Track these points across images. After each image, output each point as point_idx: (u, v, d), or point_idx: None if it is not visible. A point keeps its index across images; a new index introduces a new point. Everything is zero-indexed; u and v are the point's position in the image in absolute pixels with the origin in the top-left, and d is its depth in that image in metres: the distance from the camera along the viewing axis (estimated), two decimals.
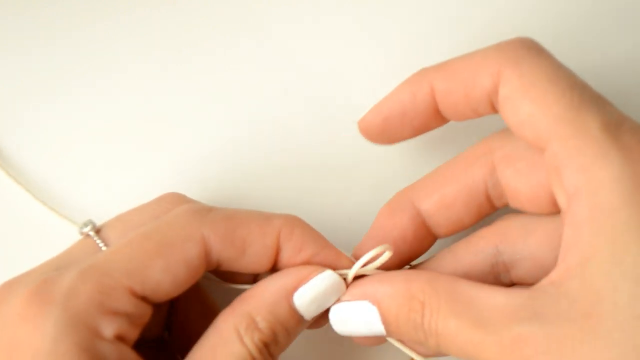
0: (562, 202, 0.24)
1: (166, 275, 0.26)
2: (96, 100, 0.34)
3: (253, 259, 0.27)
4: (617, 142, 0.23)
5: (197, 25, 0.35)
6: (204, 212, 0.27)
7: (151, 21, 0.35)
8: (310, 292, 0.27)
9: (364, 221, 0.31)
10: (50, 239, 0.32)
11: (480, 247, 0.28)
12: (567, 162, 0.23)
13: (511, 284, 0.29)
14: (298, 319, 0.27)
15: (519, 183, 0.27)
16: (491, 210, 0.29)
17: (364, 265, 0.28)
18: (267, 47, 0.35)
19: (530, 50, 0.26)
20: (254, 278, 0.30)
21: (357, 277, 0.28)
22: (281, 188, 0.34)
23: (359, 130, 0.30)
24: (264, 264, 0.28)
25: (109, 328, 0.24)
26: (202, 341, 0.26)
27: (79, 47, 0.34)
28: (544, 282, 0.23)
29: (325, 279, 0.27)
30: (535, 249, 0.27)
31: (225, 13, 0.35)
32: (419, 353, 0.28)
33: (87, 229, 0.28)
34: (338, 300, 0.28)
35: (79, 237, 0.28)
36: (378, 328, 0.27)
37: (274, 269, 0.28)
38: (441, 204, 0.28)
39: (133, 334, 0.25)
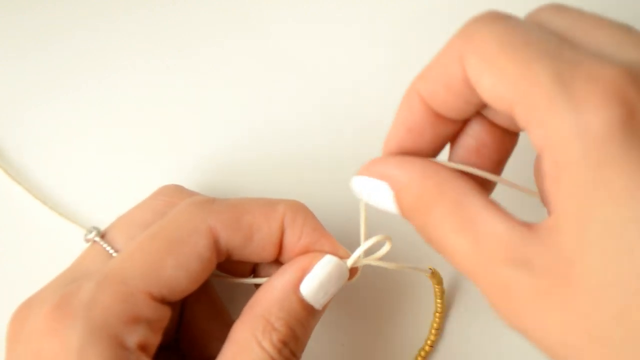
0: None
1: (180, 272, 0.26)
2: (97, 100, 0.34)
3: (260, 244, 0.28)
4: (567, 91, 0.21)
5: (197, 25, 0.35)
6: (207, 203, 0.28)
7: (152, 22, 0.35)
8: (315, 280, 0.27)
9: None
10: (54, 240, 0.33)
11: None
12: (530, 121, 0.22)
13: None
14: (310, 310, 0.27)
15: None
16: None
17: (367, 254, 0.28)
18: (267, 47, 0.35)
19: (483, 21, 0.24)
20: (253, 268, 0.30)
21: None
22: (282, 187, 0.34)
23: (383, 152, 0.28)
24: (270, 249, 0.28)
25: (131, 337, 0.24)
26: (221, 355, 0.26)
27: (80, 48, 0.34)
28: (542, 225, 0.22)
29: (327, 264, 0.27)
30: None
31: (225, 13, 0.35)
32: None
33: (92, 236, 0.28)
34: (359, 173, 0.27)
35: (85, 244, 0.28)
36: (393, 209, 0.26)
37: (278, 256, 0.29)
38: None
39: (154, 340, 0.25)
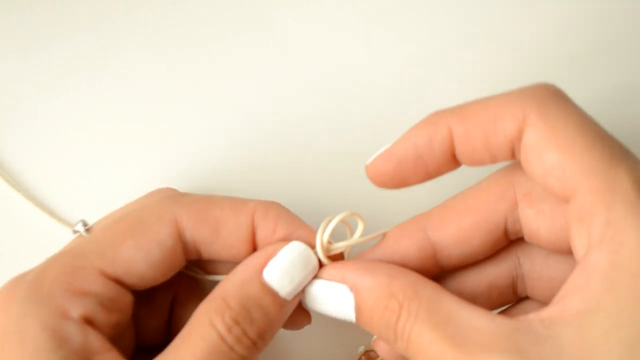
0: (579, 249, 0.23)
1: (138, 254, 0.26)
2: (96, 102, 0.34)
3: (229, 239, 0.27)
4: None
5: (196, 26, 0.35)
6: (177, 196, 0.28)
7: (148, 23, 0.35)
8: (278, 265, 0.26)
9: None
10: (47, 242, 0.32)
11: (502, 256, 0.28)
12: (594, 214, 0.22)
13: (526, 298, 0.28)
14: (273, 296, 0.26)
15: (541, 226, 0.26)
16: (505, 243, 0.27)
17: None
18: (266, 46, 0.35)
19: (556, 97, 0.24)
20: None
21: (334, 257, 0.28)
22: (280, 189, 0.34)
23: (367, 175, 0.27)
24: (240, 246, 0.28)
25: (75, 308, 0.24)
26: (179, 333, 0.26)
27: (72, 50, 0.34)
28: (533, 317, 0.22)
29: (292, 250, 0.27)
30: (553, 271, 0.27)
31: (225, 13, 0.35)
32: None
33: (77, 227, 0.28)
34: (316, 277, 0.27)
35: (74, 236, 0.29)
36: (349, 314, 0.26)
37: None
38: (457, 237, 0.27)
39: (106, 318, 0.25)
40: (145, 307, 0.28)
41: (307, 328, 0.33)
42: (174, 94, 0.34)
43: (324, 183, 0.34)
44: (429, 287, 0.25)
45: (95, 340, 0.24)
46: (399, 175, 0.26)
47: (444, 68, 0.35)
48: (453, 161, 0.26)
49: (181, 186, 0.33)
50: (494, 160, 0.25)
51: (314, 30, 0.35)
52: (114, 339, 0.25)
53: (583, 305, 0.22)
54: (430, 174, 0.27)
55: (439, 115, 0.26)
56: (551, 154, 0.23)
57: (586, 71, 0.35)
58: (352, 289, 0.26)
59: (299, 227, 0.28)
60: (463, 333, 0.23)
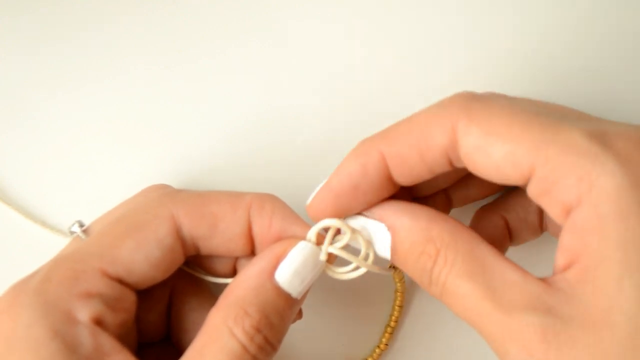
0: (556, 213, 0.24)
1: (138, 254, 0.26)
2: (77, 102, 0.34)
3: (226, 234, 0.27)
4: (609, 149, 0.22)
5: (195, 25, 0.35)
6: (173, 193, 0.28)
7: (148, 21, 0.35)
8: (289, 267, 0.26)
9: None
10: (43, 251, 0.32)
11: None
12: (562, 177, 0.23)
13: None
14: (286, 298, 0.26)
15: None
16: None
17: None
18: (263, 46, 0.35)
19: (475, 99, 0.25)
20: (234, 267, 0.30)
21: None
22: (278, 187, 0.33)
23: (309, 216, 0.28)
24: (238, 241, 0.28)
25: (83, 311, 0.24)
26: (193, 343, 0.26)
27: (63, 51, 0.34)
28: (559, 279, 0.23)
29: (302, 250, 0.27)
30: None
31: (224, 14, 0.35)
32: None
33: (73, 228, 0.28)
34: (359, 213, 0.27)
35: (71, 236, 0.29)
36: (385, 253, 0.26)
37: (252, 251, 0.28)
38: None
39: (113, 318, 0.25)
40: (144, 302, 0.28)
41: (307, 328, 0.33)
42: (168, 92, 0.34)
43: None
44: (467, 235, 0.25)
45: (107, 342, 0.24)
46: (340, 208, 0.27)
47: (443, 67, 0.35)
48: (390, 184, 0.27)
49: (177, 184, 0.33)
50: (432, 173, 0.26)
51: (310, 29, 0.35)
52: (121, 338, 0.25)
53: (591, 262, 0.22)
54: (368, 202, 0.27)
55: (368, 142, 0.26)
56: (495, 147, 0.24)
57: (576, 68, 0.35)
58: (390, 228, 0.26)
59: (293, 223, 0.28)
60: (498, 287, 0.23)
